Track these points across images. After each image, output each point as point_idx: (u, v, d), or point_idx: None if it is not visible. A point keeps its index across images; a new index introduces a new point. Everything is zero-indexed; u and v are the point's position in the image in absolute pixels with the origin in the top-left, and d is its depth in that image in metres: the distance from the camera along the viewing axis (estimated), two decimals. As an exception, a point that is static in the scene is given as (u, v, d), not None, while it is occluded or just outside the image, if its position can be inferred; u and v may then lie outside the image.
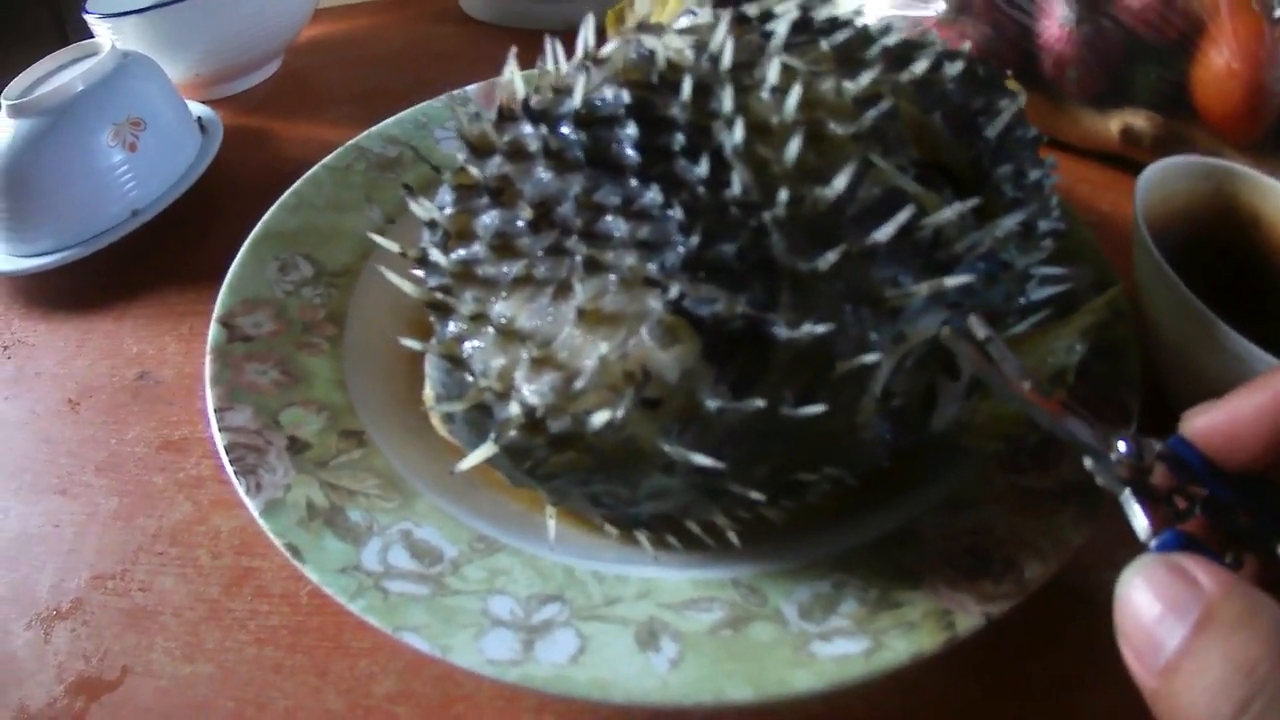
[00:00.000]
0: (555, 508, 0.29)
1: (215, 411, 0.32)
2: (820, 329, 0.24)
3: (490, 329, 0.26)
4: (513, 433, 0.25)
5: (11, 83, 0.46)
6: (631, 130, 0.26)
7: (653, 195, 0.25)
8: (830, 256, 0.24)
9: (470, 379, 0.27)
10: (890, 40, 0.29)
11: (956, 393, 0.28)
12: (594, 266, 0.25)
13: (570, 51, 0.30)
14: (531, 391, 0.25)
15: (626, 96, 0.26)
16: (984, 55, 0.44)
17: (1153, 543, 0.20)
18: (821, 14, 0.30)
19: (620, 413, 0.24)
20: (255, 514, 0.29)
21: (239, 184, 0.52)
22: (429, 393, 0.31)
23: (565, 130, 0.27)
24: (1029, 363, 0.29)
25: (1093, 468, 0.22)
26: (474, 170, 0.27)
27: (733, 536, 0.27)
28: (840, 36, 0.29)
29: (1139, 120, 0.43)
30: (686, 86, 0.26)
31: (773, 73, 0.26)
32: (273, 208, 0.39)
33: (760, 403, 0.23)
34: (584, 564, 0.29)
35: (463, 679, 0.30)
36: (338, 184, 0.41)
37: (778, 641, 0.26)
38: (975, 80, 0.30)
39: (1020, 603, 0.26)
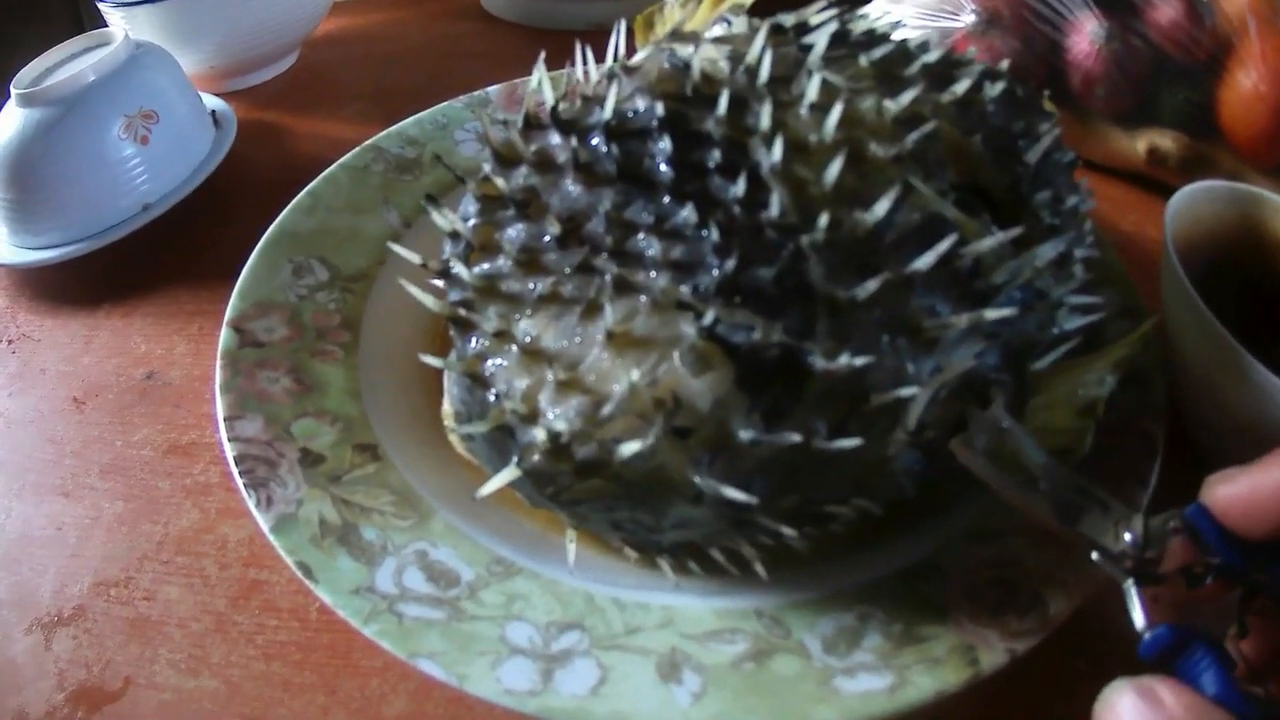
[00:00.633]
0: (575, 531, 0.27)
1: (225, 420, 0.31)
2: (859, 361, 0.22)
3: (514, 347, 0.25)
4: (537, 457, 0.24)
5: (21, 71, 0.45)
6: (665, 145, 0.24)
7: (686, 214, 0.24)
8: (870, 285, 0.23)
9: (492, 398, 0.25)
10: (931, 57, 0.28)
11: (988, 423, 0.26)
12: (624, 287, 0.24)
13: (599, 56, 0.29)
14: (557, 415, 0.24)
15: (660, 109, 0.25)
16: (1012, 71, 0.42)
17: (1146, 635, 0.21)
18: (859, 27, 0.29)
19: (650, 441, 0.22)
20: (266, 530, 0.28)
21: (253, 180, 0.50)
22: (448, 409, 0.29)
23: (595, 142, 0.25)
24: (1061, 394, 0.28)
25: (1099, 560, 0.22)
26: (499, 181, 0.26)
27: (759, 568, 0.26)
28: (879, 52, 0.27)
29: (1165, 141, 0.41)
30: (723, 101, 0.25)
31: (813, 89, 0.25)
32: (288, 208, 0.37)
33: (796, 436, 0.22)
34: (604, 590, 0.27)
35: (475, 702, 0.28)
36: (355, 185, 0.39)
37: (801, 676, 0.25)
38: (1015, 102, 0.29)
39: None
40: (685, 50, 0.27)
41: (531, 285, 0.25)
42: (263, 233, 0.37)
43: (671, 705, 0.24)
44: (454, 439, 0.30)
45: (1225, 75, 0.40)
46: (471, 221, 0.27)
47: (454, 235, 0.27)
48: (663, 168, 0.24)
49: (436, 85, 0.46)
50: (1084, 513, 0.23)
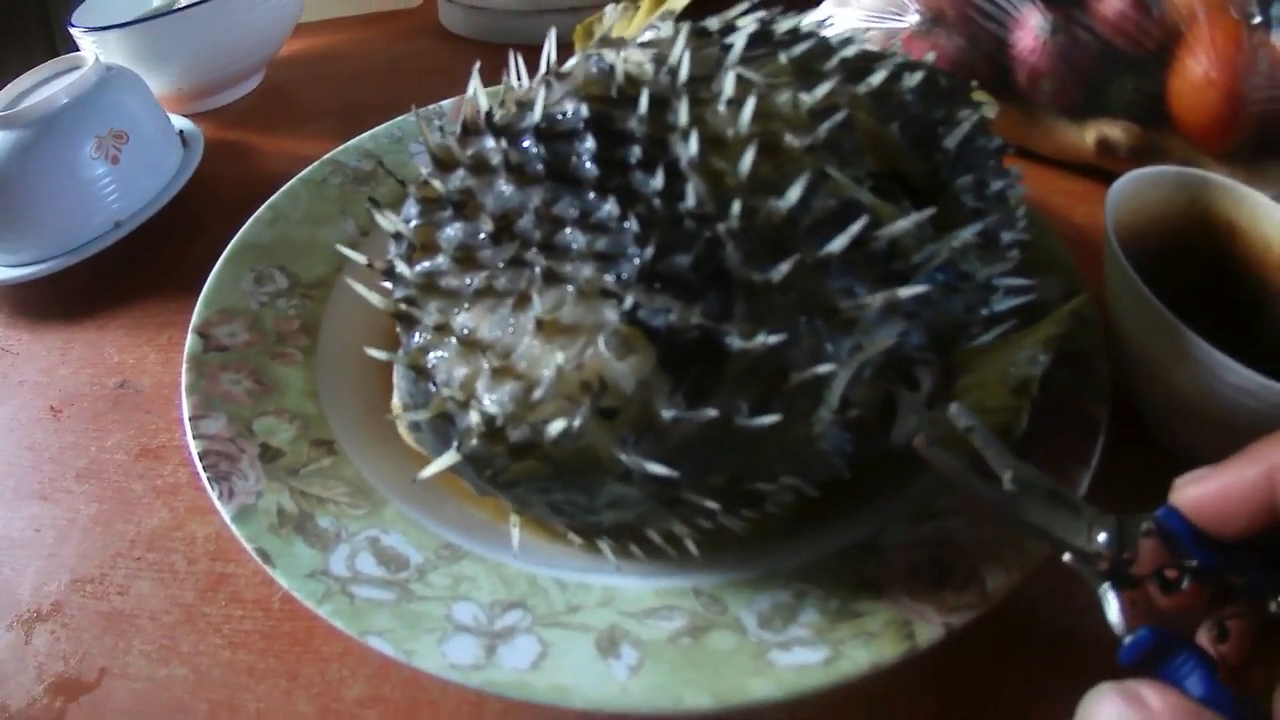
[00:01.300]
0: (519, 516, 0.29)
1: (190, 419, 0.33)
2: (773, 340, 0.24)
3: (453, 339, 0.27)
4: (474, 441, 0.26)
5: (-6, 96, 0.47)
6: (589, 144, 0.26)
7: (609, 208, 0.26)
8: (783, 268, 0.24)
9: (434, 389, 0.27)
10: (849, 52, 0.30)
11: (916, 403, 0.28)
12: (552, 278, 0.26)
13: (534, 67, 0.31)
14: (492, 401, 0.26)
15: (585, 110, 0.27)
16: (958, 67, 0.44)
17: (1126, 639, 0.21)
18: (783, 27, 0.31)
19: (577, 422, 0.24)
20: (227, 519, 0.30)
21: (220, 197, 0.53)
22: (396, 402, 0.31)
23: (526, 144, 0.27)
24: (992, 373, 0.30)
25: (1071, 561, 0.23)
26: (438, 184, 0.28)
27: (691, 545, 0.28)
28: (799, 49, 0.29)
29: (1115, 131, 0.43)
30: (644, 100, 0.27)
31: (728, 86, 0.27)
32: (250, 220, 0.40)
33: (714, 412, 0.24)
34: (547, 572, 0.29)
35: (430, 684, 0.31)
36: (314, 197, 0.42)
37: (737, 650, 0.26)
38: (936, 90, 0.31)
39: (983, 614, 0.27)
40: (611, 55, 0.29)
41: (468, 280, 0.27)
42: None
43: (610, 679, 0.25)
44: (402, 430, 0.32)
45: (1175, 63, 0.42)
46: (413, 223, 0.29)
47: (397, 236, 0.29)
48: (588, 165, 0.26)
49: (399, 101, 0.48)
50: (1054, 514, 0.23)
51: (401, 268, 0.28)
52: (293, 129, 0.61)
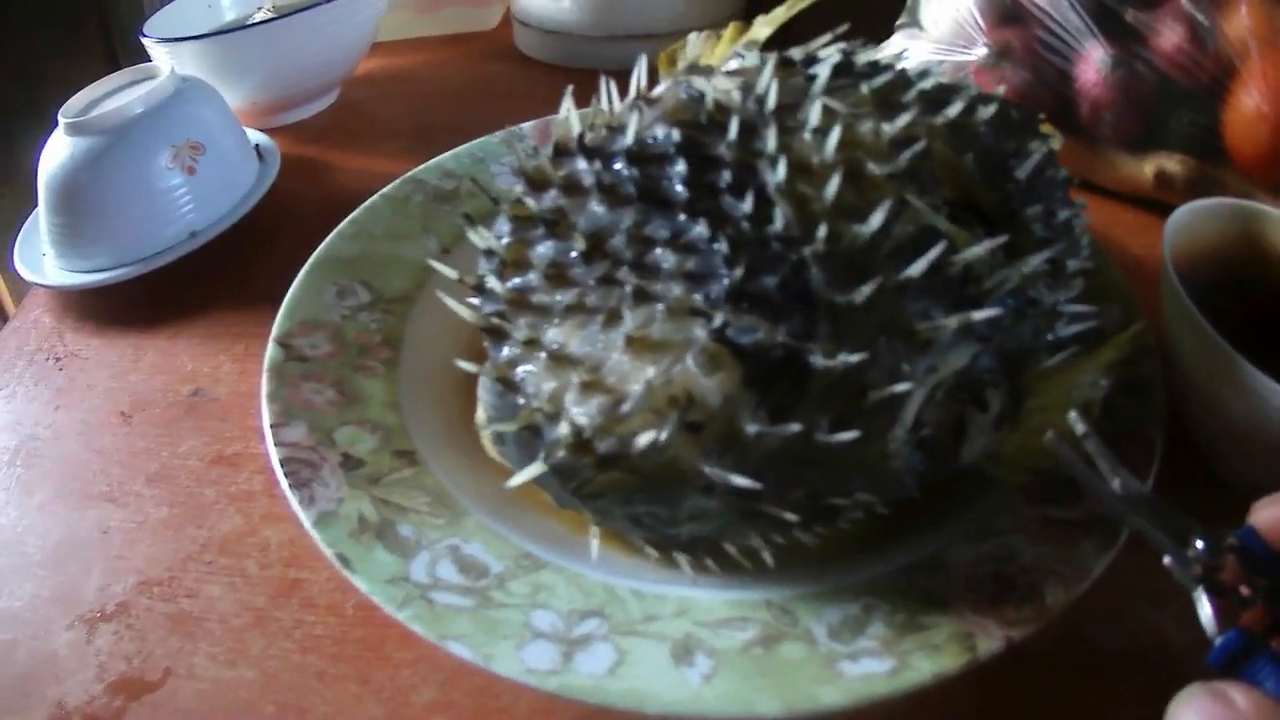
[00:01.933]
0: (599, 528, 0.31)
1: (270, 427, 0.35)
2: (855, 358, 0.26)
3: (542, 354, 0.29)
4: (561, 453, 0.28)
5: (68, 101, 0.50)
6: (680, 168, 0.28)
7: (699, 229, 0.27)
8: (865, 290, 0.26)
9: (521, 401, 0.29)
10: (927, 84, 0.32)
11: (986, 424, 0.30)
12: (642, 296, 0.28)
13: (624, 91, 0.33)
14: (580, 413, 0.27)
15: (676, 135, 0.29)
16: (1023, 100, 0.46)
17: (1217, 640, 0.23)
18: (862, 59, 0.33)
19: (664, 435, 0.26)
20: (308, 525, 0.32)
21: (295, 212, 0.55)
22: (481, 415, 0.33)
23: (618, 166, 0.29)
24: (1056, 397, 0.31)
25: (1170, 564, 0.25)
26: (530, 202, 0.30)
27: (767, 557, 0.29)
28: (880, 80, 0.31)
29: (1171, 164, 0.45)
30: (733, 127, 0.29)
31: (814, 114, 0.29)
32: (331, 234, 0.42)
33: (796, 427, 0.26)
34: (624, 582, 0.31)
35: (501, 691, 0.32)
36: (396, 214, 0.44)
37: (807, 660, 0.28)
38: (1008, 123, 0.33)
39: (1042, 628, 0.28)
40: (701, 82, 0.31)
41: (559, 297, 0.29)
42: (304, 261, 0.41)
43: (684, 685, 0.27)
44: (486, 443, 0.33)
45: (1228, 97, 0.43)
46: (504, 240, 0.31)
47: (489, 252, 0.31)
48: (678, 188, 0.28)
49: (474, 122, 0.50)
50: (1154, 519, 0.26)
51: (493, 283, 0.30)
52: (368, 147, 0.63)
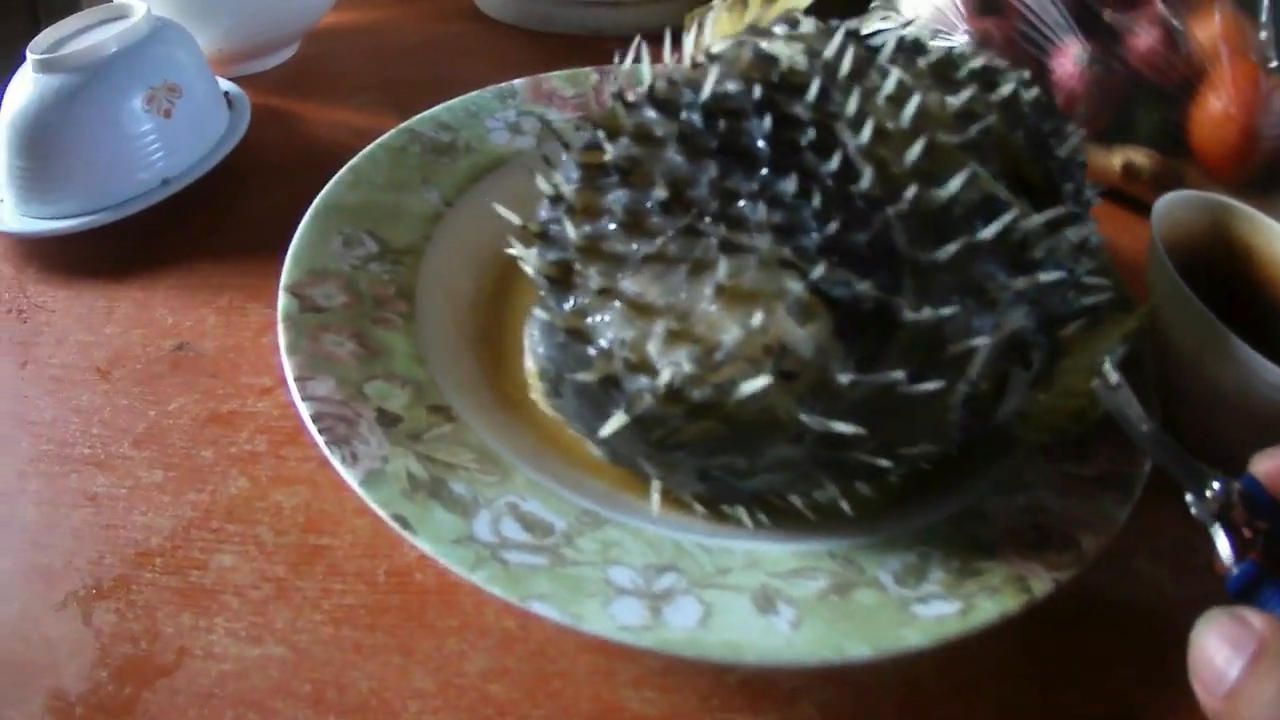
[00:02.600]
0: (661, 483, 0.31)
1: (296, 380, 0.33)
2: (945, 311, 0.27)
3: (617, 303, 0.29)
4: (648, 402, 0.28)
5: (35, 39, 0.46)
6: (765, 123, 0.29)
7: (787, 185, 0.28)
8: (951, 248, 0.28)
9: (593, 351, 0.29)
10: (976, 64, 0.34)
11: (1023, 383, 0.32)
12: (731, 247, 0.28)
13: (596, 59, 0.33)
14: (668, 362, 0.28)
15: (759, 91, 0.29)
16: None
17: (1234, 569, 0.26)
18: (909, 36, 0.34)
19: (763, 382, 0.27)
20: (354, 484, 0.30)
21: (269, 162, 0.53)
22: (531, 364, 0.33)
23: (695, 118, 0.30)
24: (1081, 361, 0.34)
25: (1191, 501, 0.28)
26: (609, 148, 0.30)
27: (845, 506, 0.30)
28: (933, 56, 0.33)
29: (1139, 157, 0.49)
30: (814, 88, 0.29)
31: (890, 83, 0.30)
32: (331, 182, 0.40)
33: (899, 374, 0.27)
34: (688, 537, 0.31)
35: (557, 655, 0.31)
36: (394, 164, 0.43)
37: (882, 605, 0.29)
38: (1048, 107, 0.35)
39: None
40: (766, 43, 0.32)
41: (635, 246, 0.29)
42: (283, 211, 0.39)
43: (774, 633, 0.27)
44: (537, 395, 0.33)
45: (1197, 98, 0.47)
46: (573, 186, 0.30)
47: (556, 198, 0.31)
48: (761, 144, 0.29)
49: (439, 79, 0.49)
50: (1176, 462, 0.29)
51: (562, 229, 0.30)
52: (336, 99, 0.61)
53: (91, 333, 0.42)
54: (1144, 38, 0.47)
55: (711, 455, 0.29)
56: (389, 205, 0.41)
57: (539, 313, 0.31)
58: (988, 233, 0.29)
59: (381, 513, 0.29)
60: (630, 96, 0.32)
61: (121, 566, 0.34)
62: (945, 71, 0.33)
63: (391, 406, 0.33)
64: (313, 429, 0.32)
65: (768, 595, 0.29)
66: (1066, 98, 0.49)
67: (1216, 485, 0.27)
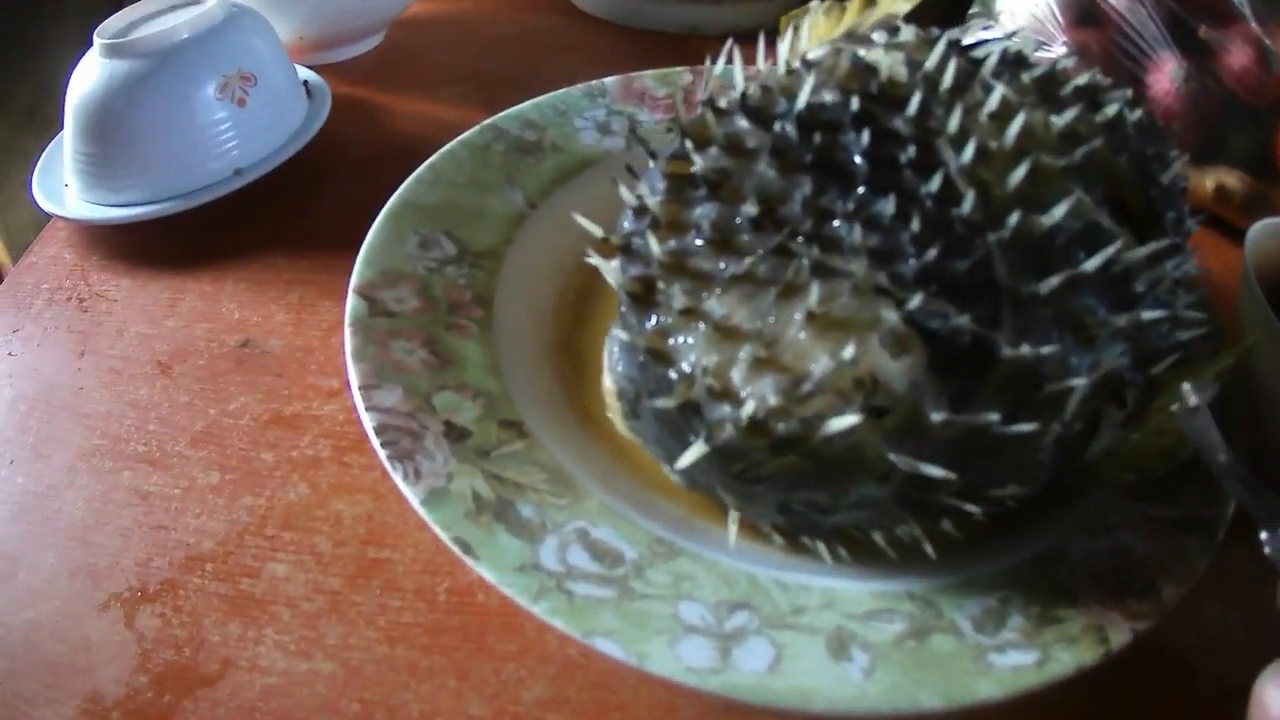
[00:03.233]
0: (738, 513, 0.30)
1: (361, 389, 0.32)
2: (1045, 350, 0.26)
3: (702, 325, 0.28)
4: (730, 432, 0.27)
5: (105, 23, 0.46)
6: (863, 138, 0.28)
7: (885, 205, 0.27)
8: (1053, 281, 0.26)
9: (674, 375, 0.28)
10: (1080, 81, 0.32)
11: (1115, 423, 0.30)
12: (824, 271, 0.27)
13: (689, 59, 0.31)
14: (752, 392, 0.26)
15: (856, 104, 0.28)
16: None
17: None
18: (1011, 48, 0.33)
19: (853, 419, 0.25)
20: (415, 503, 0.29)
21: (348, 154, 0.52)
22: (609, 384, 0.32)
23: (788, 130, 0.28)
24: (1173, 399, 0.32)
25: (1265, 540, 0.26)
26: (697, 159, 0.29)
27: (928, 548, 0.29)
28: (1037, 71, 0.31)
29: (1231, 179, 0.47)
30: (914, 102, 0.28)
31: (994, 100, 0.29)
32: (409, 179, 0.40)
33: (993, 416, 0.25)
34: (765, 571, 0.30)
35: (619, 686, 0.30)
36: (476, 163, 0.42)
37: (958, 653, 0.28)
38: (1151, 129, 0.33)
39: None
40: (864, 51, 0.30)
41: (723, 265, 0.28)
42: (361, 206, 0.39)
43: (847, 681, 0.26)
44: (614, 415, 0.32)
45: (1286, 121, 0.45)
46: (658, 198, 0.29)
47: (641, 209, 0.29)
48: (858, 160, 0.28)
49: (532, 75, 0.48)
50: (1252, 495, 0.27)
51: (646, 243, 0.29)
52: (421, 91, 0.59)
53: (153, 325, 0.42)
54: (1237, 55, 0.45)
55: (793, 490, 0.28)
56: (469, 205, 0.40)
57: (618, 331, 0.30)
58: (1091, 265, 0.27)
59: (442, 535, 0.29)
60: (722, 103, 0.30)
61: (170, 570, 0.33)
62: (1049, 88, 0.31)
63: (460, 420, 0.32)
64: (375, 442, 0.31)
65: (842, 639, 0.28)
66: (1163, 115, 0.47)
67: None
